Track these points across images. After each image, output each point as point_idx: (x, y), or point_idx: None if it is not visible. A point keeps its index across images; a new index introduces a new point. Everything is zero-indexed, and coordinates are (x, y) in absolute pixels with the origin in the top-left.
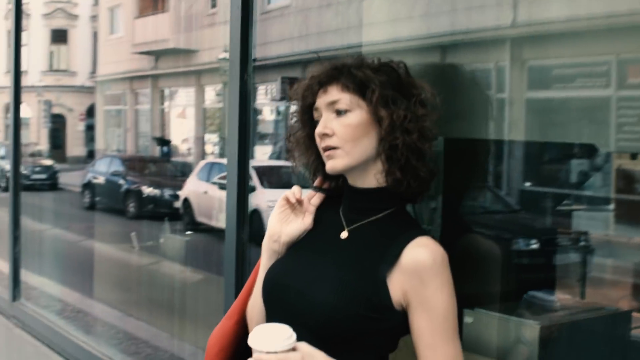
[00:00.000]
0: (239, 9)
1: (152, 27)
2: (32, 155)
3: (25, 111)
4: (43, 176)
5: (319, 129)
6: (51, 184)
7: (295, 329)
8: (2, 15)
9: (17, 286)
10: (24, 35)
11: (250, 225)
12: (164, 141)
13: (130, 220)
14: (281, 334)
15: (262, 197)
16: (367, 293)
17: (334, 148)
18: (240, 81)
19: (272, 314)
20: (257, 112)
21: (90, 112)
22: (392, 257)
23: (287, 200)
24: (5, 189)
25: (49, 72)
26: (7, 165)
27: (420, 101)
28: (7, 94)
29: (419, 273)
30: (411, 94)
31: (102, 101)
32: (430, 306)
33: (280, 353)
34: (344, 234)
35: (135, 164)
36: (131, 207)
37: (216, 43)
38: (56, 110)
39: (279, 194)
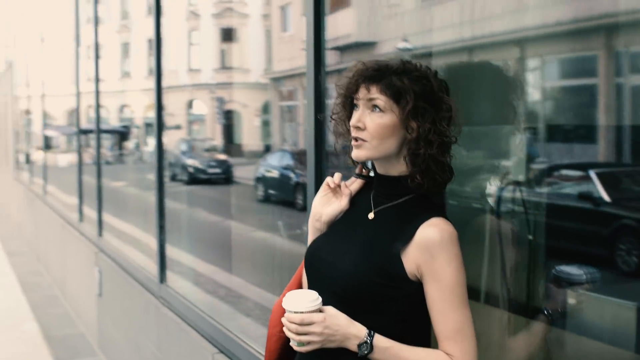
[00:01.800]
0: (311, 14)
1: (337, 23)
2: (208, 150)
3: (200, 108)
4: (218, 170)
5: (353, 121)
6: (226, 177)
7: (326, 295)
8: (184, 16)
9: (164, 270)
10: (195, 35)
11: None
12: None
13: (300, 212)
14: (308, 298)
15: None
16: (383, 264)
17: (362, 140)
18: (315, 81)
19: (310, 283)
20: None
21: (266, 108)
22: (407, 235)
23: (328, 185)
24: (187, 183)
25: (221, 69)
26: (188, 160)
27: (445, 117)
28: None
29: (429, 248)
30: (440, 107)
31: (277, 97)
32: (439, 277)
33: (305, 313)
34: (371, 215)
35: (304, 157)
36: (299, 199)
37: (395, 34)
38: (231, 106)
39: None
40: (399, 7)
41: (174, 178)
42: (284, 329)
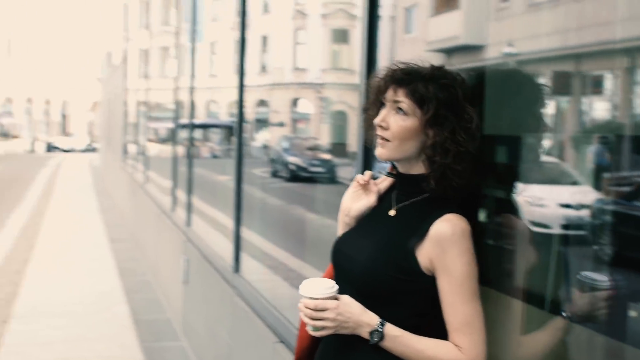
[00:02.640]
0: (366, 21)
1: (444, 25)
2: (311, 149)
3: (306, 106)
4: (321, 169)
5: (377, 119)
6: (329, 176)
7: (346, 287)
8: (290, 15)
9: (238, 260)
10: (303, 35)
11: None
12: None
13: None
14: (324, 285)
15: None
16: (398, 260)
17: (385, 139)
18: (367, 85)
19: (335, 274)
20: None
21: None
22: (422, 231)
23: (358, 182)
24: (288, 180)
25: (330, 70)
26: (290, 157)
27: (465, 127)
28: (293, 90)
29: (441, 243)
30: (462, 117)
31: None
32: (449, 271)
33: (320, 299)
34: (392, 212)
35: None
36: None
37: (503, 37)
38: (339, 107)
39: (538, 190)
40: (506, 10)
41: (275, 174)
42: (300, 313)
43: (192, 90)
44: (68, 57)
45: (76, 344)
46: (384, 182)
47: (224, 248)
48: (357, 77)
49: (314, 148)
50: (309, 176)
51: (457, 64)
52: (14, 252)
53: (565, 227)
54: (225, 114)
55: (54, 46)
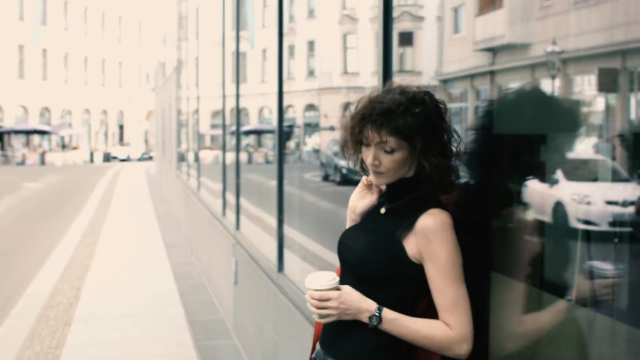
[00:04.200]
0: (380, 29)
1: (491, 24)
2: None
3: None
4: None
5: (369, 160)
6: None
7: (347, 274)
8: (337, 20)
9: (282, 260)
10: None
11: (555, 217)
12: None
13: None
14: (327, 277)
15: (566, 190)
16: (388, 248)
17: (380, 172)
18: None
19: (340, 265)
20: (582, 103)
21: None
22: (408, 224)
23: (364, 183)
24: (339, 183)
25: (396, 73)
26: (341, 161)
27: (446, 139)
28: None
29: (426, 235)
30: (441, 132)
31: (446, 99)
32: (435, 258)
33: (323, 290)
34: (383, 210)
35: (462, 158)
36: None
37: (547, 36)
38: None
39: (584, 188)
40: (551, 8)
41: (326, 178)
42: (307, 304)
43: (237, 97)
44: (123, 67)
45: (134, 343)
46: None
47: (270, 250)
48: (423, 79)
49: None
50: (360, 180)
51: (504, 63)
52: (76, 259)
53: (613, 224)
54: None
55: (109, 57)
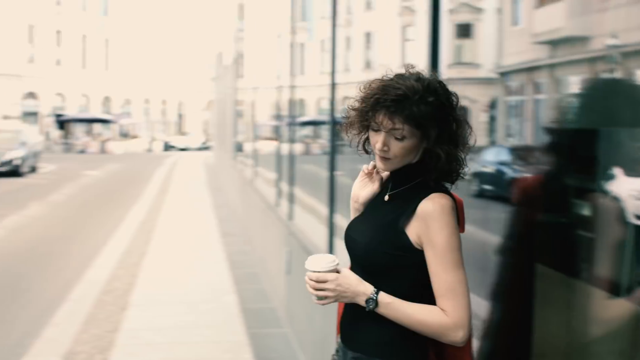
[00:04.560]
0: (429, 20)
1: (550, 17)
2: None
3: None
4: None
5: (378, 146)
6: None
7: (354, 265)
8: (396, 12)
9: (332, 250)
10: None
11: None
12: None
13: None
14: (326, 260)
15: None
16: (391, 237)
17: (387, 158)
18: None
19: (349, 255)
20: None
21: (493, 103)
22: (409, 211)
23: (364, 172)
24: None
25: (454, 65)
26: None
27: (457, 130)
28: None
29: (425, 219)
30: (452, 123)
31: (504, 92)
32: (433, 243)
33: (321, 272)
34: (386, 198)
35: (523, 153)
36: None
37: (607, 29)
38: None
39: None
40: (611, 0)
41: None
42: (306, 285)
43: (292, 88)
44: (183, 57)
45: (188, 330)
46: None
47: (321, 240)
48: (481, 72)
49: None
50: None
51: (563, 56)
52: (133, 246)
53: None
54: (335, 111)
55: (169, 47)
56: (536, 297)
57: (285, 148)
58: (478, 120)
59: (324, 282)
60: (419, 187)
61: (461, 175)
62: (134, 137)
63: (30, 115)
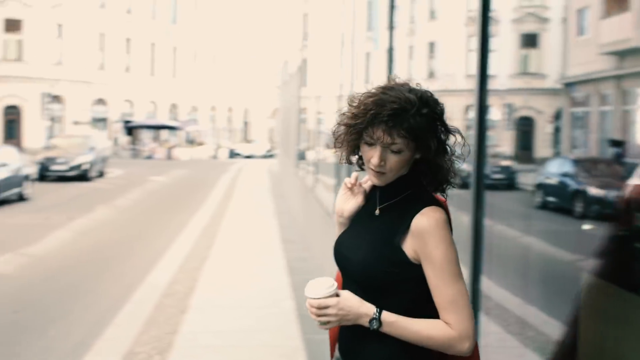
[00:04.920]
0: (478, 31)
1: (617, 27)
2: (494, 156)
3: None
4: (501, 176)
5: (375, 161)
6: (508, 183)
7: (349, 282)
8: (463, 22)
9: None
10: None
11: None
12: (617, 142)
13: (577, 220)
14: (325, 285)
15: None
16: (388, 255)
17: (382, 172)
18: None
19: (341, 273)
20: None
21: (558, 114)
22: (404, 227)
23: (346, 185)
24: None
25: (518, 75)
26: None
27: (447, 139)
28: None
29: (421, 235)
30: (444, 132)
31: (569, 103)
32: (431, 258)
33: (322, 299)
34: (377, 212)
35: (587, 165)
36: (578, 207)
37: None
38: (524, 112)
39: None
40: None
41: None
42: (308, 312)
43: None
44: (249, 65)
45: (245, 333)
46: (367, 182)
47: None
48: (547, 82)
49: (496, 156)
50: (491, 184)
51: (631, 67)
52: (195, 250)
53: None
54: None
55: (236, 55)
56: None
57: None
58: (543, 131)
59: (326, 307)
60: (409, 200)
61: (452, 184)
62: (200, 143)
63: (100, 121)
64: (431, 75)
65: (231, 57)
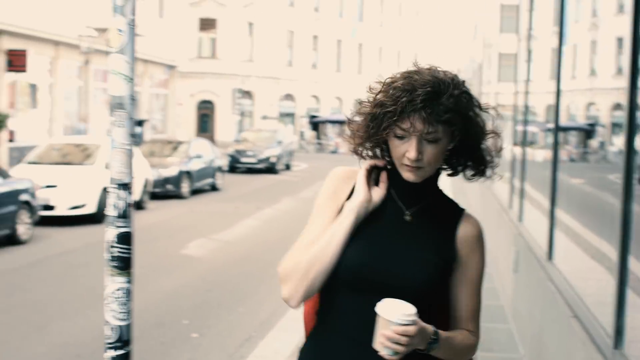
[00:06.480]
0: (630, 26)
1: None
2: None
3: None
4: None
5: (413, 155)
6: None
7: (377, 298)
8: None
9: (551, 249)
10: None
11: None
12: None
13: None
14: (406, 311)
15: None
16: (443, 266)
17: (420, 166)
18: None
19: (355, 290)
20: None
21: None
22: (451, 233)
23: (368, 172)
24: None
25: None
26: None
27: (482, 124)
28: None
29: (470, 243)
30: (478, 116)
31: None
32: (474, 266)
33: (403, 326)
34: (408, 218)
35: None
36: None
37: None
38: None
39: None
40: None
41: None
42: (379, 336)
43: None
44: (432, 61)
45: None
46: (382, 175)
47: (543, 240)
48: None
49: None
50: None
51: None
52: None
53: None
54: (582, 117)
55: (421, 51)
56: None
57: (518, 153)
58: None
59: (404, 336)
60: (439, 202)
61: (493, 165)
62: None
63: (287, 116)
64: (619, 71)
65: (415, 52)
